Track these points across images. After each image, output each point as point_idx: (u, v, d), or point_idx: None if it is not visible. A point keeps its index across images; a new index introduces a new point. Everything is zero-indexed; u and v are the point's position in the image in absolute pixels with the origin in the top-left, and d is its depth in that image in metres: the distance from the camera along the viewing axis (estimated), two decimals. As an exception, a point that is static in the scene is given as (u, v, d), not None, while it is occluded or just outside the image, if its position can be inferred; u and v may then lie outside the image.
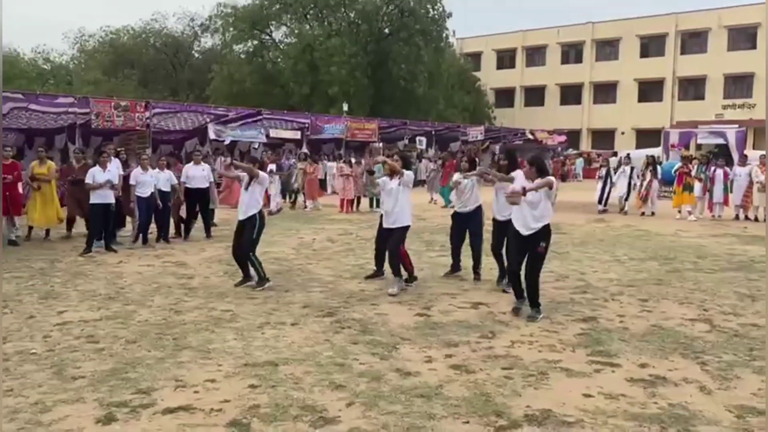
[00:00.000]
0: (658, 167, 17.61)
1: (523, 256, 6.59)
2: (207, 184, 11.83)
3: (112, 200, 10.26)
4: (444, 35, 37.75)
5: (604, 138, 48.41)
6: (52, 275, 8.37)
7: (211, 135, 22.08)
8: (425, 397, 4.27)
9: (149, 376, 4.65)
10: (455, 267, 8.46)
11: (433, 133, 32.67)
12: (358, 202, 17.87)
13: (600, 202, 17.34)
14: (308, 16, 36.38)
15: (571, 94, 50.98)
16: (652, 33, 47.14)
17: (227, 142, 22.29)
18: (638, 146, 40.66)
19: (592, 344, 5.49)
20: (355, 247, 11.05)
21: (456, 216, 8.37)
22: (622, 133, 47.37)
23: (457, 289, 7.63)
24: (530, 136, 39.00)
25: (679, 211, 16.22)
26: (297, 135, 25.22)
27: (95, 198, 10.11)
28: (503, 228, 7.21)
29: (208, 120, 22.62)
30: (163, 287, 7.73)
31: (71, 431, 3.77)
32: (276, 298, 7.17)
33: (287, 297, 7.21)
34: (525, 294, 6.51)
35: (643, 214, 16.66)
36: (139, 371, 4.75)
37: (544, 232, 6.40)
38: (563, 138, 42.47)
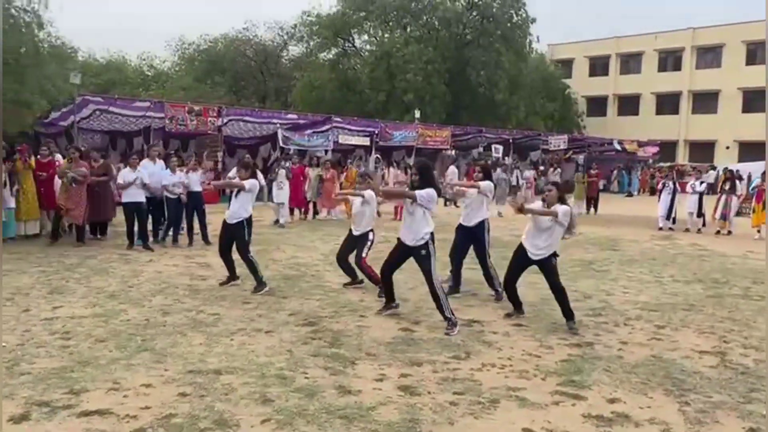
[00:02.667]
0: (737, 182, 16.19)
1: (522, 271, 6.69)
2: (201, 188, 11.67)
3: (143, 199, 10.59)
4: (527, 41, 36.75)
5: (702, 150, 45.49)
6: (75, 271, 8.70)
7: (280, 141, 22.50)
8: (347, 418, 4.01)
9: (91, 376, 4.66)
10: (455, 284, 7.82)
11: (511, 141, 31.85)
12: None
13: (667, 218, 16.14)
14: (390, 24, 36.50)
15: (667, 104, 48.31)
16: (759, 39, 43.81)
17: (291, 151, 22.65)
18: (741, 159, 37.91)
19: (569, 373, 5.01)
20: (382, 257, 10.74)
21: (459, 229, 7.84)
22: (727, 147, 44.25)
23: (460, 304, 7.24)
24: (618, 147, 37.24)
25: (758, 231, 14.83)
26: (366, 142, 25.27)
27: (126, 197, 10.49)
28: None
29: (278, 126, 23.08)
30: (170, 287, 7.83)
31: (-21, 427, 3.80)
32: (269, 304, 7.08)
33: (281, 304, 7.11)
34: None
35: (718, 232, 15.39)
36: (85, 371, 4.77)
37: (553, 255, 6.48)
38: (656, 149, 40.27)
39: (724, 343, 6.00)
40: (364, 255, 7.92)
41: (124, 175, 10.77)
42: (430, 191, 6.16)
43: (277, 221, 14.82)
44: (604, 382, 4.84)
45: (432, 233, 6.30)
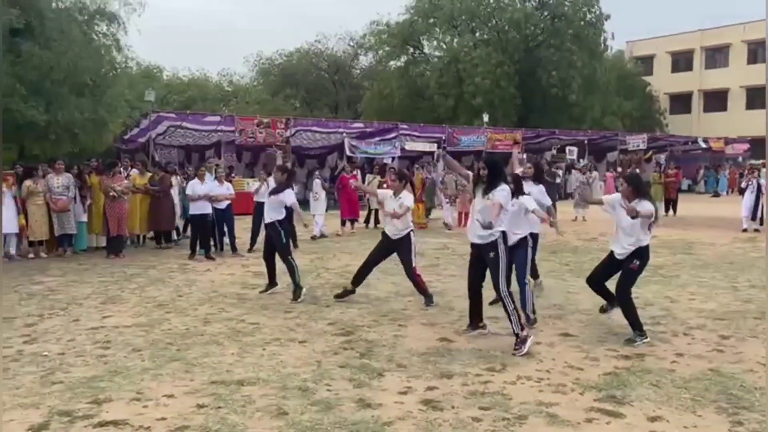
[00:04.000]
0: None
1: (606, 273, 6.26)
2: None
3: (209, 210, 10.84)
4: (601, 39, 35.46)
5: (800, 146, 42.36)
6: (133, 281, 8.96)
7: (347, 150, 22.64)
8: (360, 434, 3.84)
9: (118, 386, 4.70)
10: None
11: (586, 142, 30.80)
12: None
13: (753, 218, 15.02)
14: (458, 28, 36.14)
15: (759, 97, 45.20)
16: None
17: (358, 159, 22.72)
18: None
19: (610, 387, 4.63)
20: (441, 263, 10.60)
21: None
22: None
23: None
24: (703, 145, 35.29)
25: None
26: (433, 148, 25.02)
27: (194, 209, 10.77)
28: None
29: (345, 135, 23.26)
30: (218, 296, 7.92)
31: (0, 436, 3.89)
32: (310, 313, 7.02)
33: (322, 312, 7.03)
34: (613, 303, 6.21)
35: (811, 233, 14.17)
36: (114, 381, 4.82)
37: (638, 253, 5.93)
38: (746, 146, 37.86)
39: (797, 355, 5.42)
40: (414, 264, 7.43)
41: (193, 186, 11.03)
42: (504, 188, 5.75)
43: (313, 236, 13.75)
44: (648, 398, 4.44)
45: (504, 233, 5.75)
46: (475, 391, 4.59)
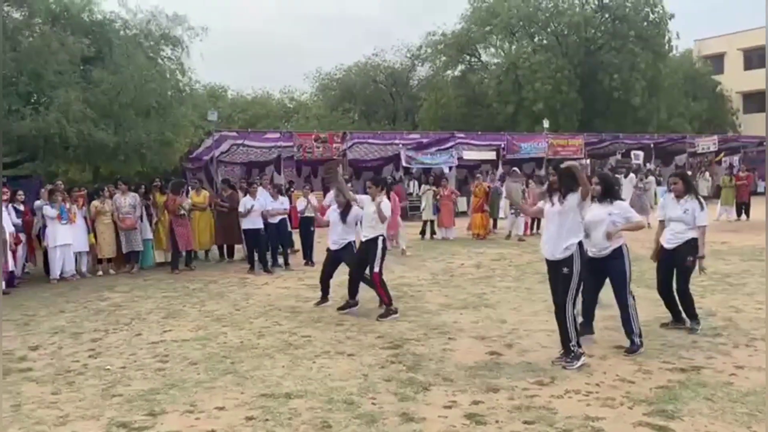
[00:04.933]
0: None
1: (669, 275, 6.42)
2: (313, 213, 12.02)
3: (261, 225, 11.12)
4: (666, 39, 34.34)
5: None
6: (195, 296, 9.29)
7: (403, 161, 22.75)
8: (401, 448, 3.87)
9: (173, 398, 4.90)
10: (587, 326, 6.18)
11: (652, 146, 29.84)
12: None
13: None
14: (516, 35, 35.79)
15: (841, 92, 42.84)
16: None
17: (415, 169, 22.75)
18: None
19: (662, 401, 4.50)
20: (497, 275, 10.50)
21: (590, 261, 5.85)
22: None
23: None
24: (776, 145, 33.54)
25: None
26: (492, 155, 24.85)
27: (246, 224, 11.09)
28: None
29: (401, 146, 23.36)
30: (274, 310, 8.12)
31: (62, 446, 4.12)
32: (361, 326, 7.10)
33: (373, 326, 7.09)
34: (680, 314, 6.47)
35: None
36: (170, 393, 5.03)
37: (689, 247, 6.25)
38: (827, 144, 35.81)
39: None
40: (376, 269, 7.56)
41: (245, 202, 11.39)
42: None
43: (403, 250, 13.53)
44: (701, 412, 4.29)
45: (579, 244, 5.44)
46: (521, 405, 4.55)
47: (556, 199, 5.48)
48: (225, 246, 13.26)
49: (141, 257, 12.05)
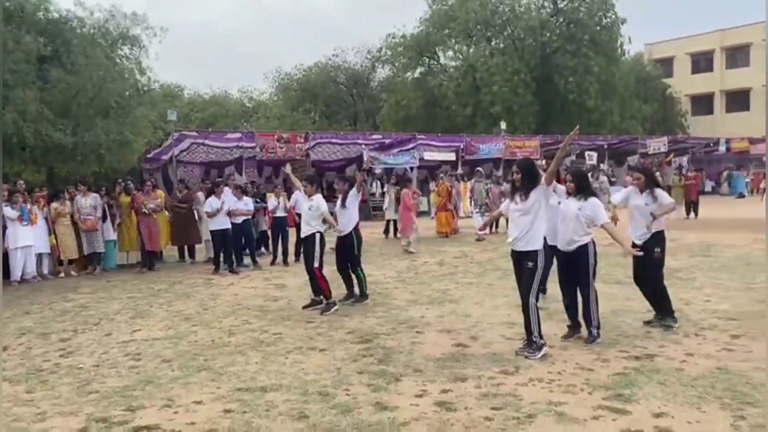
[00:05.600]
0: None
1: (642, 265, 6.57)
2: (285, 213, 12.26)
3: (228, 226, 11.17)
4: (618, 43, 35.44)
5: (826, 143, 41.72)
6: (161, 296, 9.30)
7: (365, 162, 22.92)
8: (376, 434, 4.06)
9: (150, 394, 4.98)
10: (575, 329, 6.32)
11: (606, 146, 30.78)
12: (497, 224, 17.33)
13: (775, 218, 14.96)
14: (473, 38, 36.39)
15: (782, 96, 44.83)
16: None
17: (378, 170, 23.00)
18: None
19: (619, 387, 4.79)
20: (459, 271, 10.78)
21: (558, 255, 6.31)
22: None
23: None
24: (722, 148, 35.00)
25: None
26: (452, 157, 25.27)
27: (213, 224, 11.12)
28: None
29: (364, 147, 23.58)
30: (242, 309, 8.21)
31: (43, 442, 4.18)
32: (330, 322, 7.26)
33: (341, 322, 7.26)
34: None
35: (833, 231, 14.08)
36: (146, 389, 5.11)
37: (655, 240, 6.44)
38: (770, 145, 37.43)
39: (806, 352, 5.52)
40: (315, 264, 7.88)
41: (210, 203, 11.40)
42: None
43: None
44: (655, 395, 4.60)
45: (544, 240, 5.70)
46: (488, 392, 4.79)
47: (518, 197, 5.74)
48: (186, 247, 13.21)
49: (103, 258, 11.94)
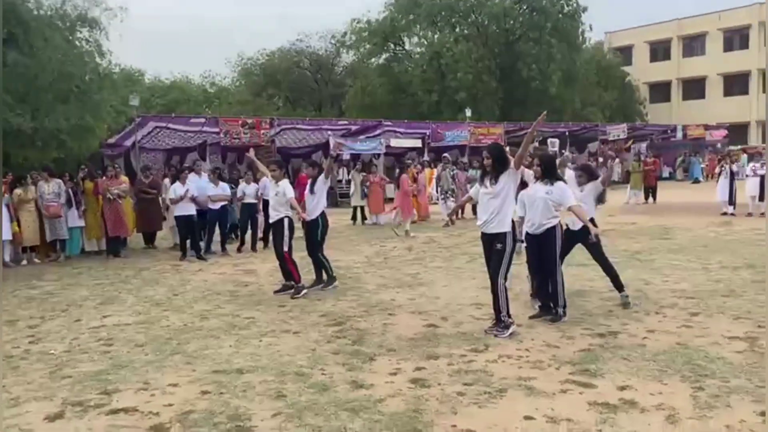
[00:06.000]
0: (802, 161, 15.40)
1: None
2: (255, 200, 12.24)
3: (193, 212, 11.10)
4: (580, 31, 35.98)
5: (778, 131, 43.21)
6: (129, 282, 9.23)
7: (332, 148, 22.89)
8: (354, 410, 4.16)
9: (125, 378, 4.99)
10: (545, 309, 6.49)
11: (567, 133, 31.29)
12: (463, 210, 17.55)
13: (730, 203, 15.53)
14: (438, 24, 36.48)
15: (736, 84, 46.26)
16: (834, 7, 41.41)
17: (346, 156, 22.99)
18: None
19: (585, 362, 4.99)
20: (428, 256, 10.93)
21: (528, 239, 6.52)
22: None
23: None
24: (679, 135, 35.93)
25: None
26: (418, 143, 25.40)
27: (178, 210, 11.03)
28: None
29: (330, 133, 23.53)
30: (213, 294, 8.21)
31: (19, 426, 4.16)
32: (302, 306, 7.32)
33: (314, 306, 7.33)
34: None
35: (784, 215, 14.68)
36: (121, 373, 5.11)
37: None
38: (724, 132, 38.61)
39: (759, 328, 5.81)
40: (285, 248, 7.97)
41: (175, 189, 11.31)
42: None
43: None
44: (619, 370, 4.80)
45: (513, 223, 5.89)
46: (460, 369, 4.93)
47: (488, 181, 5.89)
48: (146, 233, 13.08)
49: (67, 245, 11.75)
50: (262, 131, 22.00)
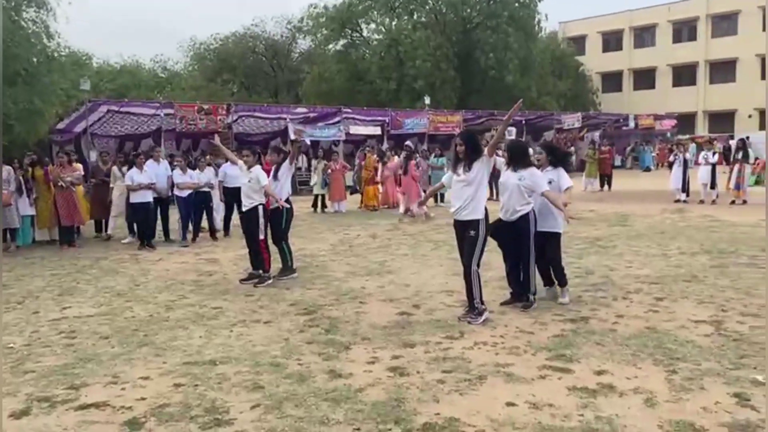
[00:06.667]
0: (750, 151, 15.96)
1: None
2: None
3: (150, 199, 10.81)
4: (536, 20, 36.37)
5: (722, 120, 44.77)
6: (87, 272, 8.93)
7: (291, 135, 22.61)
8: (335, 401, 4.10)
9: (93, 371, 4.81)
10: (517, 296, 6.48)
11: (524, 122, 31.64)
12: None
13: (683, 190, 16.00)
14: (396, 11, 36.36)
15: (684, 75, 47.60)
16: (776, 2, 42.91)
17: (307, 142, 22.72)
18: (762, 128, 37.23)
19: (559, 347, 5.05)
20: (393, 244, 10.91)
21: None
22: (749, 116, 43.27)
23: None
24: (631, 124, 36.80)
25: (774, 199, 14.63)
26: (377, 131, 25.31)
27: (135, 197, 10.72)
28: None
29: (289, 120, 23.24)
30: (176, 284, 8.01)
31: (-18, 424, 3.96)
32: (270, 295, 7.21)
33: (282, 294, 7.23)
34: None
35: (733, 202, 15.21)
36: (87, 367, 4.92)
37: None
38: (673, 122, 39.76)
39: (722, 311, 5.98)
40: (261, 236, 7.90)
41: (132, 175, 10.97)
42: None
43: None
44: (594, 355, 4.87)
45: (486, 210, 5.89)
46: (437, 357, 4.92)
47: (461, 168, 5.87)
48: (102, 221, 12.67)
49: (19, 235, 11.28)
50: (219, 117, 21.57)
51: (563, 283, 6.56)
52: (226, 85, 41.05)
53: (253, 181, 7.76)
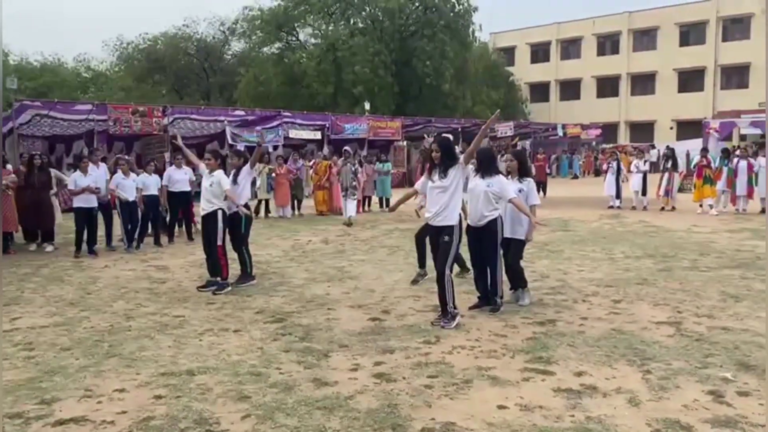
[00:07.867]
0: (679, 160, 16.87)
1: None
2: (189, 188, 11.86)
3: (95, 204, 10.38)
4: (470, 30, 37.20)
5: (642, 130, 47.07)
6: (30, 280, 8.47)
7: (229, 139, 22.22)
8: (327, 409, 4.07)
9: (62, 385, 4.58)
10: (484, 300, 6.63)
11: (460, 130, 32.22)
12: (369, 202, 17.70)
13: (617, 197, 16.73)
14: (333, 16, 36.36)
15: (608, 87, 49.75)
16: (691, 20, 45.65)
17: (242, 147, 22.33)
18: (679, 138, 39.37)
19: (535, 350, 5.18)
20: (347, 249, 10.88)
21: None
22: (671, 128, 45.60)
23: (426, 291, 7.36)
24: (560, 132, 38.15)
25: (701, 206, 15.53)
26: (317, 135, 25.19)
27: (78, 202, 10.26)
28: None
29: (226, 123, 22.79)
30: (130, 292, 7.71)
31: (-50, 444, 3.70)
32: (233, 303, 7.05)
33: (246, 302, 7.09)
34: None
35: (662, 209, 16.02)
36: (54, 380, 4.68)
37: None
38: (598, 131, 41.47)
39: (678, 313, 6.29)
40: (219, 242, 7.74)
41: (76, 179, 10.47)
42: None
43: None
44: (569, 356, 5.02)
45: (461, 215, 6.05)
46: (419, 362, 4.95)
47: (436, 175, 5.94)
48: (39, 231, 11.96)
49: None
50: (155, 120, 20.92)
51: (518, 286, 6.77)
52: (156, 86, 39.84)
53: (214, 185, 7.58)
